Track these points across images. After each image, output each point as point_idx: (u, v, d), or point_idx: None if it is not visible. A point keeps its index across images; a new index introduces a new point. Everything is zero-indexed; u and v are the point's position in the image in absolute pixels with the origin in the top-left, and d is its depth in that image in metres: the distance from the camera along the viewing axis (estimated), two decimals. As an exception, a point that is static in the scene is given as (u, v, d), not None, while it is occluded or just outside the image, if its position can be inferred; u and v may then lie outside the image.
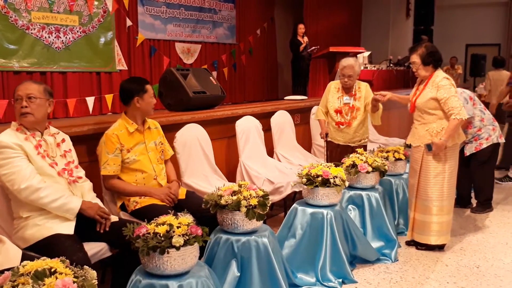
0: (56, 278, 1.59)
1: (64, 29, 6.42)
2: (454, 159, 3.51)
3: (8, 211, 2.46)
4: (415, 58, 3.49)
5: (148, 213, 2.59)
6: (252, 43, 9.82)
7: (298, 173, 3.21)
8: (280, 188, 3.83)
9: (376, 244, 3.49)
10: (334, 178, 3.06)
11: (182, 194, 3.05)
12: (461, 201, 4.73)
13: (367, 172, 3.51)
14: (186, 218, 2.19)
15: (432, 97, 3.41)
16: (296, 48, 8.39)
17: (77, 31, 6.59)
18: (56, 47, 6.34)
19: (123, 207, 2.91)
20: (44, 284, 1.56)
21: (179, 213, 2.43)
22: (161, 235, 2.06)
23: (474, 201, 4.75)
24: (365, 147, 4.12)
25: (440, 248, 3.63)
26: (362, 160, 3.56)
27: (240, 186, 2.67)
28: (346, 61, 4.07)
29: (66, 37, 6.45)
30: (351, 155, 3.65)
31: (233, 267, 2.56)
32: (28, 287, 1.55)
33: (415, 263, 3.41)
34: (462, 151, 4.32)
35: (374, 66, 8.46)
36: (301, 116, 5.29)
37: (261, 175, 3.90)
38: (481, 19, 13.26)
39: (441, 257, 3.52)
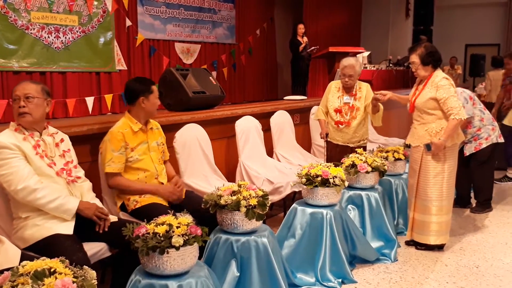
0: (56, 278, 1.59)
1: (63, 29, 6.42)
2: (453, 159, 3.51)
3: (8, 211, 2.46)
4: (415, 58, 3.49)
5: (148, 212, 2.60)
6: (251, 43, 9.81)
7: (298, 173, 3.21)
8: (280, 188, 3.83)
9: (375, 244, 3.49)
10: (333, 178, 3.06)
11: (181, 194, 3.05)
12: (461, 201, 4.73)
13: (367, 172, 3.51)
14: (186, 218, 2.19)
15: (432, 97, 3.42)
16: (295, 48, 8.40)
17: (77, 31, 6.59)
18: (55, 47, 6.34)
19: (123, 207, 2.91)
20: (43, 284, 1.56)
21: (178, 213, 2.43)
22: (161, 235, 2.06)
23: (473, 201, 4.76)
24: (364, 148, 4.10)
25: (439, 248, 3.63)
26: (361, 160, 3.55)
27: (239, 186, 2.67)
28: (347, 61, 4.06)
29: (65, 37, 6.45)
30: (350, 155, 3.66)
31: (233, 267, 2.56)
32: (27, 287, 1.55)
33: (415, 263, 3.41)
34: (461, 151, 4.32)
35: (374, 66, 8.46)
36: (300, 116, 5.29)
37: (261, 175, 3.90)
38: (481, 19, 13.26)
39: (440, 257, 3.52)
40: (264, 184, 3.78)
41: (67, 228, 2.36)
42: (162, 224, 2.12)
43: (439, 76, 3.44)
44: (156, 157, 2.99)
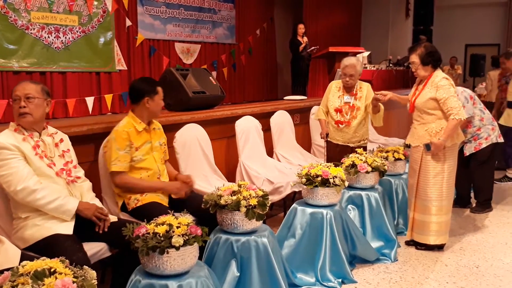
0: (56, 278, 1.59)
1: (63, 29, 6.41)
2: (453, 159, 3.51)
3: (7, 212, 2.46)
4: (414, 58, 3.49)
5: (148, 212, 2.60)
6: (251, 43, 9.81)
7: (298, 173, 3.21)
8: (280, 188, 3.83)
9: (375, 244, 3.49)
10: (333, 178, 3.06)
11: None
12: (461, 201, 4.73)
13: (367, 172, 3.51)
14: (186, 218, 2.19)
15: (431, 97, 3.42)
16: (295, 48, 8.39)
17: (77, 31, 6.58)
18: (55, 47, 6.33)
19: (123, 207, 2.91)
20: (43, 284, 1.56)
21: (178, 213, 2.43)
22: (161, 235, 2.06)
23: (473, 201, 4.76)
24: (364, 148, 4.10)
25: (439, 248, 3.63)
26: (361, 160, 3.55)
27: (239, 186, 2.67)
28: (348, 60, 4.06)
29: (65, 37, 6.44)
30: (350, 155, 3.65)
31: (233, 267, 2.56)
32: (27, 287, 1.55)
33: (415, 263, 3.41)
34: (461, 151, 4.32)
35: (374, 66, 8.46)
36: (300, 116, 5.29)
37: (261, 175, 3.91)
38: (481, 19, 13.25)
39: (440, 257, 3.52)
40: (264, 184, 3.78)
41: (67, 228, 2.36)
42: (162, 224, 2.12)
43: (439, 76, 3.44)
44: (158, 157, 3.01)
